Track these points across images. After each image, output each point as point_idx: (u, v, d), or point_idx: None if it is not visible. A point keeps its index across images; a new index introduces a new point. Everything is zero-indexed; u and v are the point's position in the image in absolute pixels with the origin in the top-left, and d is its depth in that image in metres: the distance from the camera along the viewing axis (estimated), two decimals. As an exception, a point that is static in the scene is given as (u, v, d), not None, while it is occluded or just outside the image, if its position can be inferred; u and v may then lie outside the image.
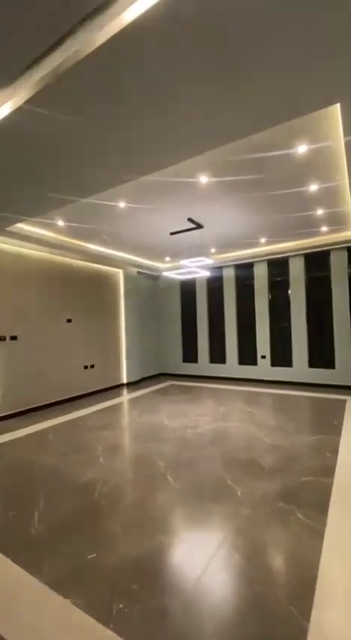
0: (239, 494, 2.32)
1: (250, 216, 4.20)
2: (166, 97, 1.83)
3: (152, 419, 4.26)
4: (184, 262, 4.68)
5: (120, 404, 5.25)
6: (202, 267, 5.47)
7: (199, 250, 5.43)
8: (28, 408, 4.77)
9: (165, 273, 5.34)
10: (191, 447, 3.24)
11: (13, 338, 4.66)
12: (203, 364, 7.31)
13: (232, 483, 2.47)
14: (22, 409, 4.69)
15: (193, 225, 4.37)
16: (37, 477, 2.69)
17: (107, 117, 1.97)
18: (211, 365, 7.20)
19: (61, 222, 4.16)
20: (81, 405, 5.19)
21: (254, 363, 6.63)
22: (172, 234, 4.74)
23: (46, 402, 5.05)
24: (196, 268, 4.85)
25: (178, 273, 5.23)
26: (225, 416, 4.28)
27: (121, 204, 3.64)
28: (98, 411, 4.76)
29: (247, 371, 6.68)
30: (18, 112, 1.90)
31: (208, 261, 4.53)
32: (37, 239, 4.53)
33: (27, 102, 1.82)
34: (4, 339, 4.55)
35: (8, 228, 4.06)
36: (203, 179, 3.09)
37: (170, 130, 2.12)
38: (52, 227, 4.36)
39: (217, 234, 4.85)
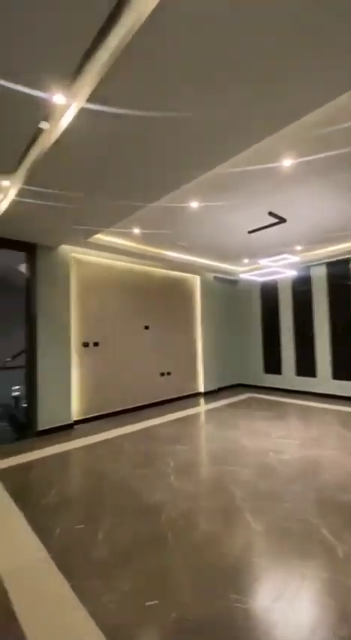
0: (341, 554, 1.78)
1: (344, 202, 3.51)
2: (251, 67, 1.52)
3: (229, 436, 3.87)
4: (264, 262, 4.20)
5: (195, 415, 5.00)
6: (286, 267, 4.86)
7: (282, 248, 4.85)
8: (106, 412, 4.91)
9: (243, 276, 4.91)
10: (275, 477, 2.75)
11: (96, 344, 4.89)
12: (288, 376, 6.54)
13: (331, 537, 1.93)
14: (100, 413, 4.85)
15: (274, 220, 3.88)
16: (106, 490, 2.61)
17: (188, 99, 1.76)
18: (297, 378, 6.39)
19: (136, 230, 4.18)
20: (156, 412, 5.12)
21: (353, 378, 5.59)
22: (250, 232, 4.32)
23: (122, 407, 5.14)
24: (278, 268, 4.31)
25: (258, 274, 4.75)
26: (317, 441, 3.61)
27: (194, 205, 3.43)
28: (173, 421, 4.60)
29: (344, 387, 5.68)
30: (82, 114, 1.85)
31: (294, 259, 3.96)
32: (117, 249, 4.67)
33: (90, 99, 1.74)
34: (88, 345, 4.79)
35: (89, 240, 4.27)
36: (286, 162, 2.64)
37: (255, 102, 1.79)
38: (129, 236, 4.43)
39: (304, 227, 4.23)
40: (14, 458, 3.36)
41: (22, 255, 4.42)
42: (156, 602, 1.50)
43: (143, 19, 1.32)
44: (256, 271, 4.75)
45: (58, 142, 2.13)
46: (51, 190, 2.80)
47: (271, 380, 6.82)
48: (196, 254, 5.48)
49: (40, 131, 2.16)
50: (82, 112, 1.86)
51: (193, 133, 2.07)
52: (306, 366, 6.29)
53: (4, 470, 3.06)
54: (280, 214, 3.76)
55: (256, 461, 3.09)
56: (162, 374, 5.82)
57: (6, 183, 2.80)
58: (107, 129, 2.01)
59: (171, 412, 5.13)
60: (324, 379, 5.97)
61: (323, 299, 5.97)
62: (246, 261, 6.03)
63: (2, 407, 5.98)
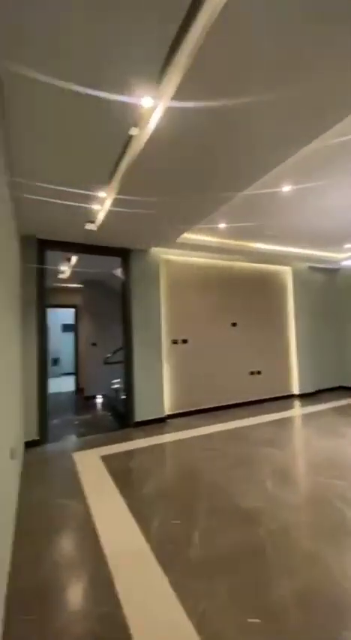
0: None
1: None
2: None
3: (333, 445, 3.43)
4: None
5: (291, 418, 4.62)
6: None
7: None
8: (194, 409, 4.95)
9: (346, 263, 4.28)
10: None
11: (185, 341, 4.98)
12: None
13: None
14: (190, 410, 4.91)
15: None
16: (201, 489, 2.60)
17: (278, 78, 1.61)
18: None
19: (222, 225, 4.07)
20: (246, 413, 4.92)
21: None
22: (355, 212, 3.72)
23: (211, 405, 5.11)
24: None
25: None
26: None
27: (285, 189, 3.12)
28: (265, 424, 4.34)
29: None
30: (168, 112, 1.85)
31: None
32: (203, 246, 4.65)
33: (176, 96, 1.72)
34: (177, 342, 4.92)
35: (177, 240, 4.36)
36: None
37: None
38: (214, 232, 4.36)
39: None
40: (117, 445, 3.67)
41: (117, 260, 4.81)
42: (258, 620, 1.39)
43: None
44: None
45: (146, 146, 2.19)
46: (140, 197, 2.93)
47: (384, 383, 5.81)
48: (287, 243, 5.04)
49: (130, 138, 2.26)
50: (168, 110, 1.86)
51: (285, 112, 1.86)
52: None
53: (109, 456, 3.36)
54: None
55: (370, 478, 2.64)
56: (251, 373, 5.57)
57: (102, 194, 3.05)
58: (193, 123, 1.96)
59: (263, 413, 4.86)
60: None
61: None
62: (348, 245, 5.27)
63: (106, 398, 6.66)
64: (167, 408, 4.71)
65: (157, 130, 2.03)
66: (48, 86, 1.68)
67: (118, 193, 2.88)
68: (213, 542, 1.91)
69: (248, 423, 4.41)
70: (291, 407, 5.26)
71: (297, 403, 5.50)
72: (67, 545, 1.97)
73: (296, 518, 2.14)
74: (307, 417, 4.61)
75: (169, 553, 1.84)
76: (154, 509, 2.30)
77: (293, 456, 3.21)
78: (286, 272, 6.09)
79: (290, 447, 3.45)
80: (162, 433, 4.09)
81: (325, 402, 5.50)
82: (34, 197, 2.93)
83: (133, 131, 2.17)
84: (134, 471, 2.99)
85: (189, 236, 4.44)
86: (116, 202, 3.04)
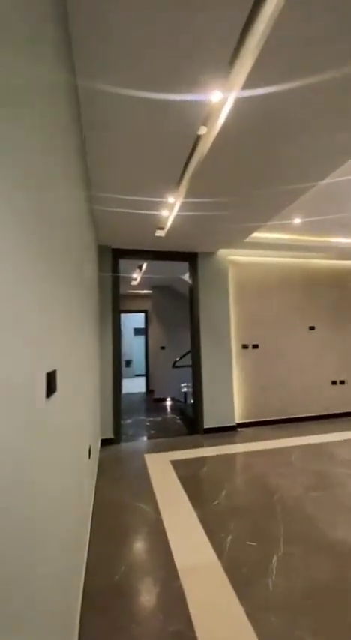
0: None
1: None
2: None
3: None
4: None
5: (384, 437, 3.98)
6: None
7: None
8: (266, 419, 4.63)
9: None
10: None
11: (255, 347, 4.72)
12: None
13: None
14: (262, 419, 4.61)
15: None
16: (278, 509, 2.37)
17: None
18: None
19: (297, 220, 3.74)
20: (326, 427, 4.41)
21: None
22: None
23: (285, 416, 4.71)
24: None
25: None
26: None
27: (377, 171, 2.70)
28: (348, 441, 3.81)
29: None
30: (238, 104, 1.73)
31: None
32: (274, 244, 4.36)
33: (246, 86, 1.60)
34: (247, 347, 4.69)
35: (246, 240, 4.16)
36: None
37: None
38: (287, 228, 4.04)
39: None
40: (186, 451, 3.63)
41: (185, 264, 4.82)
42: None
43: None
44: None
45: (214, 144, 2.11)
46: (208, 199, 2.86)
47: None
48: (377, 235, 4.40)
49: (198, 138, 2.21)
50: (238, 102, 1.75)
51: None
52: None
53: (179, 461, 3.34)
54: None
55: None
56: (334, 382, 4.99)
57: (171, 199, 3.06)
58: (263, 111, 1.81)
59: (347, 429, 4.29)
60: None
61: None
62: None
63: (175, 401, 6.74)
64: (238, 416, 4.51)
65: (225, 126, 1.93)
66: (121, 97, 1.72)
67: (186, 197, 2.85)
68: (295, 574, 1.70)
69: (329, 438, 3.93)
70: (384, 423, 4.54)
71: None
72: (139, 550, 1.97)
73: None
74: None
75: (245, 578, 1.69)
76: (226, 526, 2.17)
77: None
78: (375, 268, 5.33)
79: None
80: (232, 442, 3.91)
81: None
82: (107, 209, 3.10)
83: (202, 130, 2.11)
84: (204, 481, 2.89)
85: (259, 235, 4.21)
86: (184, 206, 3.03)
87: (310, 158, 2.30)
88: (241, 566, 1.77)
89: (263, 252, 4.69)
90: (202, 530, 2.13)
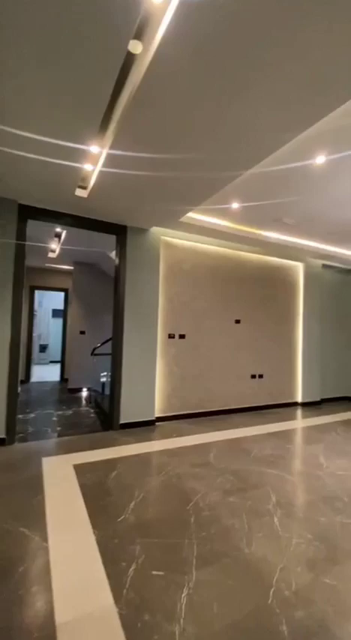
0: None
1: None
2: None
3: (346, 468, 2.93)
4: None
5: (296, 431, 4.12)
6: None
7: None
8: (188, 412, 4.43)
9: None
10: None
11: (182, 337, 4.44)
12: None
13: None
14: (183, 413, 4.39)
15: None
16: (192, 520, 2.07)
17: None
18: None
19: (235, 205, 3.51)
20: (245, 420, 4.41)
21: None
22: None
23: (207, 409, 4.59)
24: None
25: None
26: None
27: (319, 160, 2.56)
28: (268, 435, 3.83)
29: None
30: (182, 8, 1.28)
31: None
32: (210, 229, 4.09)
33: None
34: (174, 337, 4.38)
35: (182, 220, 3.79)
36: None
37: None
38: (226, 213, 3.79)
39: None
40: (95, 452, 3.14)
41: (112, 239, 4.23)
42: None
43: None
44: None
45: (150, 70, 1.62)
46: (140, 153, 2.36)
47: None
48: (304, 234, 4.50)
49: (130, 59, 1.69)
50: (187, 5, 1.29)
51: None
52: None
53: (84, 465, 2.83)
54: None
55: None
56: (253, 376, 5.05)
57: (95, 149, 2.47)
58: (213, 35, 1.39)
59: (264, 423, 4.35)
60: None
61: None
62: (371, 243, 4.73)
63: (91, 392, 6.12)
64: (157, 410, 4.19)
65: (165, 42, 1.46)
66: None
67: (114, 147, 2.31)
68: (209, 614, 1.39)
69: (248, 433, 3.90)
70: (295, 417, 4.76)
71: (301, 413, 5.00)
72: (3, 603, 1.43)
73: (320, 580, 1.62)
74: (313, 431, 4.11)
75: (147, 629, 1.31)
76: (130, 550, 1.78)
77: (303, 482, 2.69)
78: (298, 268, 5.55)
79: (298, 470, 2.94)
80: (150, 439, 3.56)
81: (331, 413, 5.01)
82: (7, 150, 2.35)
83: (135, 47, 1.60)
84: (112, 490, 2.45)
85: (195, 216, 3.88)
86: (112, 161, 2.47)
87: (252, 127, 1.99)
88: (143, 610, 1.40)
89: (198, 237, 4.40)
90: (100, 561, 1.69)
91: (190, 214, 3.81)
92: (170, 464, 2.93)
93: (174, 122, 2.01)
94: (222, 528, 1.99)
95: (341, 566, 1.71)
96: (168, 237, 4.33)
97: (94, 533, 1.92)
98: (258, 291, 5.12)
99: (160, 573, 1.61)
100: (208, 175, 2.67)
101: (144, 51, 1.59)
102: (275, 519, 2.11)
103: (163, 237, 4.28)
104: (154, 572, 1.62)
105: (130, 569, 1.63)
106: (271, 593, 1.51)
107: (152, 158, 2.40)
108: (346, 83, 1.67)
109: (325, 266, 5.80)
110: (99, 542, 1.83)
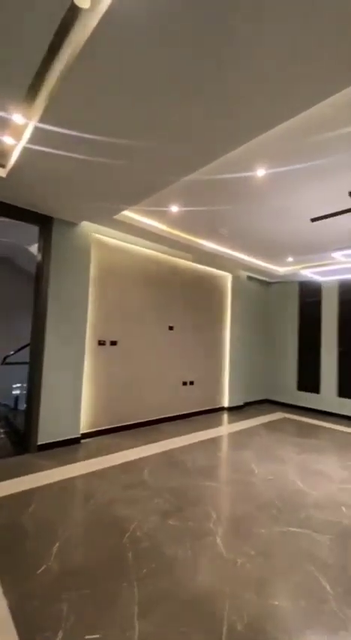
0: None
1: None
2: None
3: (277, 473, 3.05)
4: (338, 256, 3.37)
5: (226, 437, 4.19)
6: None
7: (348, 245, 4.01)
8: (118, 425, 4.13)
9: (305, 272, 4.09)
10: (366, 553, 1.93)
11: (113, 343, 4.12)
12: (328, 397, 5.67)
13: None
14: (112, 426, 4.07)
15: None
16: (128, 556, 1.81)
17: None
18: (340, 400, 5.52)
19: (175, 208, 3.41)
20: (177, 429, 4.32)
21: None
22: (313, 220, 3.50)
23: (138, 420, 4.35)
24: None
25: (322, 272, 3.94)
26: None
27: (260, 172, 2.63)
28: (199, 444, 3.79)
29: None
30: None
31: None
32: (147, 231, 3.90)
33: None
34: (104, 343, 4.03)
35: (117, 217, 3.52)
36: None
37: None
38: (164, 216, 3.66)
39: (384, 218, 3.40)
40: (4, 484, 2.59)
41: (33, 233, 3.70)
42: None
43: None
44: (314, 269, 3.93)
45: (98, 32, 1.37)
46: (76, 132, 2.04)
47: (307, 399, 5.96)
48: (235, 246, 4.68)
49: (74, 13, 1.40)
50: None
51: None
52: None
53: (-10, 503, 2.29)
54: (363, 196, 2.94)
55: (329, 521, 2.26)
56: (185, 383, 5.02)
57: (19, 119, 2.05)
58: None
59: (196, 430, 4.32)
60: (373, 404, 5.09)
61: (378, 310, 5.11)
62: (290, 259, 5.21)
63: (0, 407, 5.26)
64: (84, 425, 3.76)
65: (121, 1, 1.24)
66: None
67: (43, 120, 1.94)
68: None
69: (181, 442, 3.79)
70: (222, 422, 4.87)
71: (228, 418, 5.15)
72: None
73: (268, 602, 1.54)
74: (240, 436, 4.24)
75: None
76: (55, 612, 1.43)
77: (240, 493, 2.68)
78: (227, 278, 5.79)
79: (233, 479, 2.93)
80: (75, 461, 3.14)
81: (254, 416, 5.30)
82: None
83: (83, 1, 1.33)
84: (27, 532, 2.01)
85: (132, 215, 3.65)
86: (39, 136, 2.09)
87: (220, 124, 1.88)
88: None
89: (134, 238, 4.17)
90: (15, 635, 1.31)
91: (127, 213, 3.57)
92: (100, 489, 2.60)
93: (118, 102, 1.77)
94: (164, 560, 1.79)
95: (285, 583, 1.68)
96: (101, 235, 3.99)
97: (5, 596, 1.50)
98: (191, 298, 5.14)
99: (96, 637, 1.32)
100: (149, 174, 2.49)
101: (94, 4, 1.33)
102: (218, 539, 2.00)
103: (95, 235, 3.93)
104: (87, 638, 1.32)
105: (57, 637, 1.30)
106: (224, 631, 1.36)
107: (88, 140, 2.10)
108: (296, 98, 1.69)
109: (249, 278, 6.19)
110: (13, 609, 1.43)
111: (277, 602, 1.53)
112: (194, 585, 1.62)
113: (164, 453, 3.44)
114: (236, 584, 1.63)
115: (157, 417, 4.58)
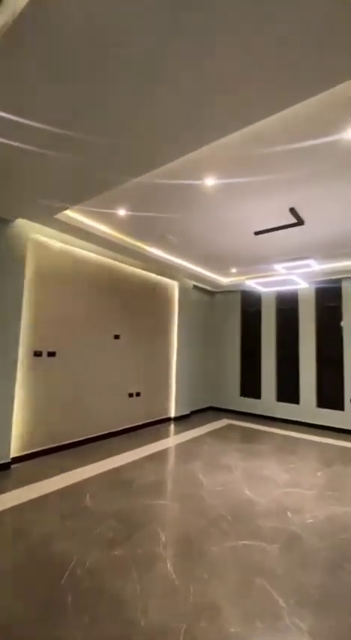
0: None
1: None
2: None
3: (225, 483, 3.03)
4: (279, 268, 3.55)
5: (172, 449, 4.07)
6: (305, 277, 4.28)
7: (287, 258, 4.28)
8: (60, 444, 3.75)
9: (250, 283, 4.23)
10: (311, 557, 1.96)
11: (51, 354, 3.75)
12: (268, 402, 5.96)
13: None
14: (50, 446, 3.67)
15: (293, 221, 3.27)
16: (69, 600, 1.57)
17: None
18: (278, 404, 5.83)
19: (122, 212, 3.26)
20: (123, 444, 4.08)
21: (340, 407, 5.18)
22: (257, 233, 3.67)
23: (81, 437, 4.01)
24: (297, 277, 3.69)
25: (263, 283, 4.11)
26: (332, 492, 2.93)
27: (209, 182, 2.64)
28: (147, 459, 3.62)
29: (330, 417, 5.23)
30: None
31: (314, 268, 3.36)
32: (91, 234, 3.67)
33: None
34: (41, 354, 3.64)
35: (58, 216, 3.24)
36: (346, 134, 1.99)
37: None
38: (110, 219, 3.48)
39: (320, 236, 3.70)
40: None
41: None
42: None
43: None
44: (258, 279, 4.10)
45: (21, 19, 1.19)
46: (10, 115, 1.80)
47: (249, 404, 6.18)
48: (183, 255, 4.70)
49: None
50: None
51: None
52: (289, 391, 5.77)
53: None
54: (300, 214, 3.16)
55: (275, 528, 2.28)
56: (131, 395, 4.81)
57: None
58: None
59: (142, 444, 4.13)
60: (307, 407, 5.48)
61: (310, 318, 5.56)
62: (234, 270, 5.41)
63: None
64: (16, 448, 3.32)
65: None
66: None
67: (-29, 94, 1.66)
68: None
69: (127, 459, 3.57)
70: (170, 434, 4.76)
71: (175, 428, 5.06)
72: None
73: (230, 633, 1.44)
74: (188, 446, 4.17)
75: None
76: None
77: (189, 509, 2.57)
78: (174, 286, 5.78)
79: (181, 494, 2.82)
80: (2, 491, 2.72)
81: (201, 425, 5.30)
82: None
83: None
84: None
85: (76, 216, 3.41)
86: (-36, 111, 1.78)
87: (176, 121, 1.81)
88: None
89: (79, 242, 3.89)
90: None
91: (71, 214, 3.32)
92: (33, 522, 2.26)
93: (54, 89, 1.59)
94: (110, 600, 1.59)
95: (239, 605, 1.60)
96: (39, 236, 3.63)
97: None
98: (138, 305, 4.99)
99: None
100: (91, 171, 2.32)
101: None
102: (168, 564, 1.86)
103: (34, 235, 3.57)
104: None
105: None
106: None
107: (21, 126, 1.86)
108: (240, 113, 1.71)
109: (195, 287, 6.28)
110: None
111: (233, 629, 1.44)
112: (147, 626, 1.45)
113: (109, 472, 3.19)
114: (191, 616, 1.51)
115: (102, 433, 4.28)
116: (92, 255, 4.27)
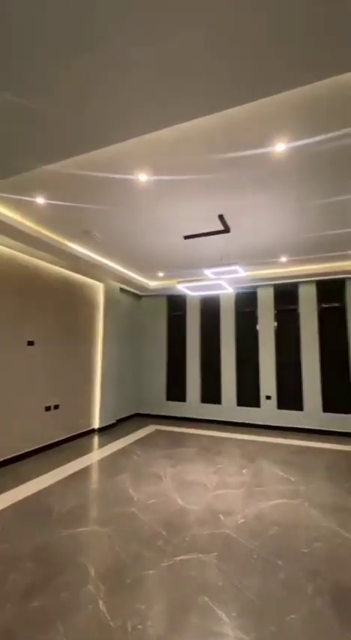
0: None
1: (283, 225, 3.34)
2: None
3: (156, 493, 2.90)
4: (208, 273, 3.59)
5: (97, 464, 3.75)
6: (230, 283, 4.43)
7: (213, 263, 4.42)
8: None
9: (180, 287, 4.18)
10: (246, 560, 1.97)
11: None
12: (193, 404, 6.08)
13: None
14: None
15: (220, 228, 3.37)
16: None
17: None
18: (202, 405, 6.00)
19: (41, 200, 2.86)
20: (41, 465, 3.58)
21: (256, 404, 5.59)
22: (186, 237, 3.68)
23: (-14, 463, 3.37)
24: (224, 282, 3.79)
25: (192, 287, 4.14)
26: (258, 488, 3.08)
27: (142, 177, 2.50)
28: (68, 479, 3.23)
29: (248, 414, 5.61)
30: None
31: (241, 274, 3.50)
32: (3, 224, 3.13)
33: None
34: None
35: None
36: (279, 146, 2.11)
37: None
38: (27, 208, 3.03)
39: (243, 244, 3.91)
40: None
41: None
42: None
43: None
44: (186, 284, 4.12)
45: None
46: None
47: (175, 408, 6.20)
48: (109, 254, 4.44)
49: None
50: None
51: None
52: (212, 392, 5.99)
53: None
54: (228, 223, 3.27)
55: (212, 535, 2.24)
56: (48, 408, 4.28)
57: None
58: None
59: (63, 463, 3.69)
60: (228, 406, 5.77)
61: (231, 323, 5.90)
62: (161, 274, 5.38)
63: None
64: None
65: None
66: None
67: None
68: None
69: (45, 482, 3.12)
70: (94, 447, 4.39)
71: (100, 440, 4.71)
72: None
73: (165, 670, 1.29)
74: (114, 459, 3.90)
75: None
76: None
77: (119, 530, 2.34)
78: (99, 288, 5.43)
79: (111, 515, 2.56)
80: None
81: (127, 434, 5.07)
82: None
83: None
84: None
85: (-19, 200, 2.85)
86: None
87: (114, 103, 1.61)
88: None
89: (-20, 229, 3.28)
90: None
91: (-27, 195, 2.76)
92: None
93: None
94: (27, 671, 1.27)
95: (184, 632, 1.48)
96: None
97: None
98: (57, 308, 4.50)
99: None
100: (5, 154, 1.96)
101: None
102: (100, 604, 1.62)
103: None
104: None
105: None
106: None
107: None
108: (191, 102, 1.64)
109: (122, 290, 6.03)
110: None
111: (178, 665, 1.31)
112: None
113: (23, 502, 2.72)
114: (129, 663, 1.31)
115: (13, 455, 3.69)
116: (5, 249, 3.67)
